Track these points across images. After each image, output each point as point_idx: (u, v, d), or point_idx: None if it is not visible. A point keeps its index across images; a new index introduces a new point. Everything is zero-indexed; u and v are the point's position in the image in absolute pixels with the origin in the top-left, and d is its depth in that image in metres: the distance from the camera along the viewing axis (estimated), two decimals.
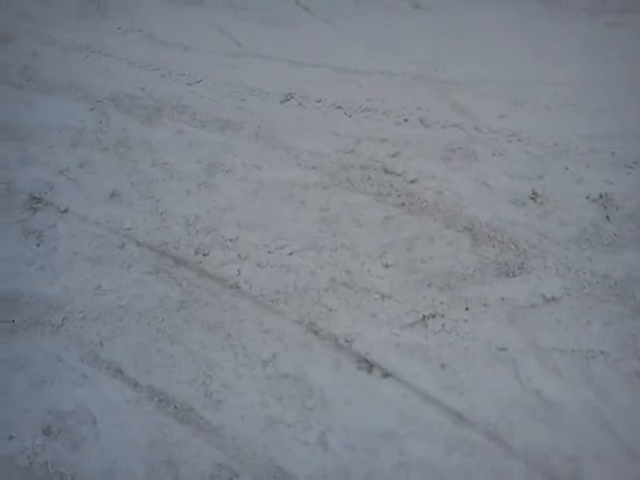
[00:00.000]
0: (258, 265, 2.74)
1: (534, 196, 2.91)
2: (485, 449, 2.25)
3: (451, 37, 3.71)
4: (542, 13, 3.68)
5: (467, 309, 2.53)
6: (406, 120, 3.27)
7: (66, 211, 3.06)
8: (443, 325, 2.50)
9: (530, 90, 3.41)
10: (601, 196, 2.91)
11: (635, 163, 3.05)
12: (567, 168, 3.02)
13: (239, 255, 2.79)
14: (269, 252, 2.77)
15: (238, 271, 2.74)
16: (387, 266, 2.69)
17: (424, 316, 2.52)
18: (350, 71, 3.56)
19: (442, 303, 2.56)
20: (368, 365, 2.46)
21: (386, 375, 2.42)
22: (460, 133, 3.21)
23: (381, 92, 3.44)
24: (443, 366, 2.41)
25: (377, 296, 2.60)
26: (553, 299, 2.54)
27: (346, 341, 2.50)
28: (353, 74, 3.54)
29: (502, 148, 3.13)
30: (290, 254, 2.76)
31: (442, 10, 3.77)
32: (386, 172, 3.03)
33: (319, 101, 3.39)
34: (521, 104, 3.36)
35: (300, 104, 3.39)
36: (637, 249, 2.72)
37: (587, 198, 2.90)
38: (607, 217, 2.83)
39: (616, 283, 2.59)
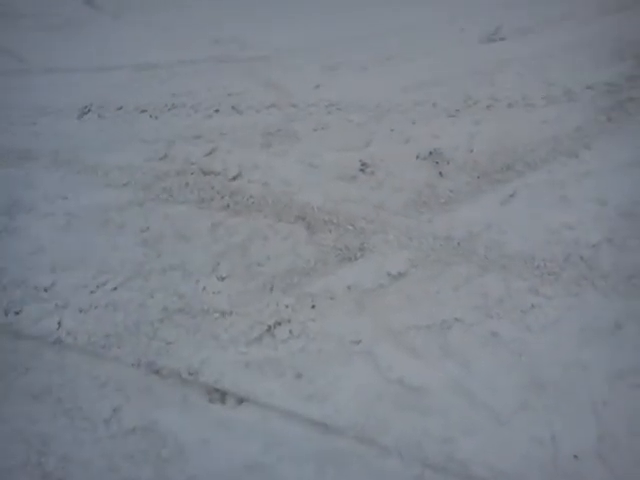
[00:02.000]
0: (80, 311, 2.41)
1: (363, 167, 2.74)
2: (358, 454, 2.08)
3: (251, 10, 3.42)
4: None
5: (313, 307, 2.33)
6: (217, 111, 3.00)
7: None
8: (291, 331, 2.29)
9: (343, 52, 3.22)
10: (431, 153, 2.79)
11: (457, 111, 2.92)
12: (393, 130, 2.87)
13: (57, 304, 2.44)
14: (91, 292, 2.45)
15: (58, 323, 2.40)
16: (223, 278, 2.44)
17: (269, 326, 2.31)
18: (149, 67, 3.23)
19: (287, 306, 2.34)
20: (220, 394, 2.22)
21: (241, 401, 2.19)
22: (277, 114, 2.98)
23: (186, 84, 3.14)
24: (299, 376, 2.21)
25: (217, 315, 2.35)
26: (400, 275, 2.39)
27: (190, 374, 2.24)
28: (153, 70, 3.21)
29: (323, 122, 2.94)
30: (114, 289, 2.45)
31: None
32: (205, 173, 2.76)
33: (120, 108, 3.04)
34: (335, 68, 3.15)
35: (99, 116, 3.04)
36: (474, 201, 2.62)
37: (417, 158, 2.78)
38: (440, 173, 2.71)
39: (459, 243, 2.48)
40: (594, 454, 1.93)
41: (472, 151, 2.81)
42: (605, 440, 1.94)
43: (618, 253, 2.42)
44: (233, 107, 3.02)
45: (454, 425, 2.08)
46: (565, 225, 2.55)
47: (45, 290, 2.49)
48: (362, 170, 2.73)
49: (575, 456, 1.94)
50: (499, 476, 1.92)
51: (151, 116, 3.01)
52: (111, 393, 2.25)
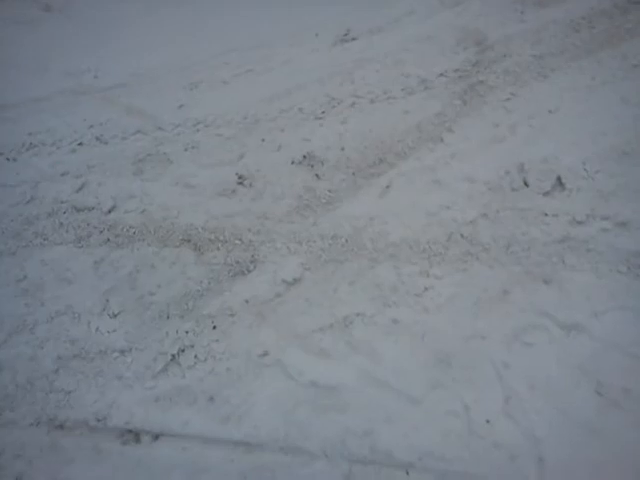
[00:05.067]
0: None
1: (241, 180, 2.72)
2: (285, 465, 2.07)
3: (100, 39, 3.31)
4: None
5: (215, 327, 2.29)
6: (81, 144, 2.88)
7: None
8: (196, 356, 2.24)
9: (202, 70, 3.19)
10: (304, 156, 2.83)
11: (324, 113, 2.98)
12: (264, 139, 2.88)
13: None
14: None
15: None
16: (115, 315, 2.34)
17: (173, 355, 2.24)
18: None
19: (187, 332, 2.28)
20: (133, 435, 2.13)
21: (156, 437, 2.11)
22: (144, 139, 2.90)
23: (43, 121, 2.99)
24: (211, 399, 2.16)
25: (116, 354, 2.25)
26: (295, 280, 2.40)
27: (98, 420, 2.13)
28: (3, 112, 3.00)
29: (192, 140, 2.90)
30: None
31: (75, 13, 3.33)
32: (78, 210, 2.64)
33: None
34: (196, 86, 3.12)
35: None
36: (353, 198, 2.68)
37: (292, 163, 2.79)
38: (317, 175, 2.74)
39: (346, 240, 2.53)
40: (503, 415, 2.03)
41: (343, 149, 2.87)
42: (511, 400, 2.04)
43: (494, 226, 2.56)
44: (97, 138, 2.92)
45: (372, 417, 2.11)
46: (442, 206, 2.66)
47: None
48: (240, 183, 2.72)
49: (487, 420, 2.03)
50: (424, 457, 1.97)
51: (8, 159, 2.85)
52: (9, 462, 2.09)
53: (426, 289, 2.38)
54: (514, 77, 3.22)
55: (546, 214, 2.56)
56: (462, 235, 2.54)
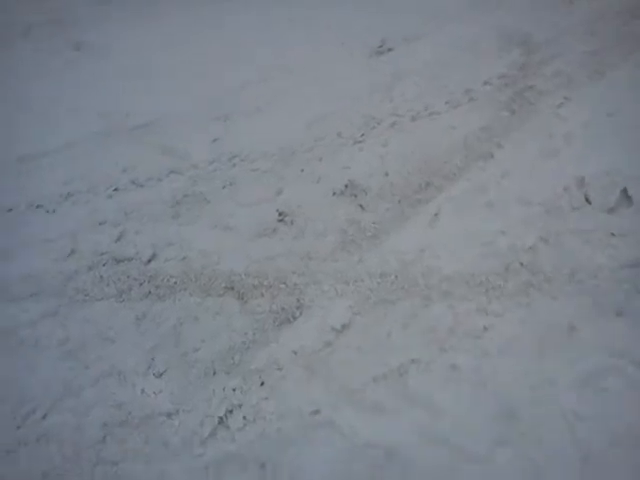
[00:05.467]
0: (8, 452, 2.16)
1: (281, 217, 2.60)
2: None
3: (128, 74, 3.23)
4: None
5: (262, 384, 2.18)
6: (117, 189, 2.79)
7: None
8: (245, 417, 2.13)
9: (233, 100, 3.06)
10: (346, 186, 2.68)
11: (363, 136, 2.82)
12: (302, 170, 2.75)
13: None
14: (17, 428, 2.20)
15: None
16: (160, 375, 2.25)
17: (221, 417, 2.13)
18: (34, 157, 2.97)
19: (235, 390, 2.18)
20: None
21: None
22: (180, 179, 2.80)
23: (78, 167, 2.92)
24: (263, 466, 2.05)
25: (162, 418, 2.17)
26: (344, 327, 2.26)
27: None
28: (39, 160, 2.96)
29: (228, 176, 2.79)
30: (44, 417, 2.22)
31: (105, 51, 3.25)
32: (118, 262, 2.56)
33: (10, 210, 2.79)
34: (229, 118, 3.00)
35: None
36: (400, 229, 2.52)
37: (334, 194, 2.65)
38: (360, 206, 2.60)
39: (396, 277, 2.38)
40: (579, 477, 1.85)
41: (387, 174, 2.71)
42: (589, 461, 1.85)
43: (555, 251, 2.37)
44: (132, 182, 2.84)
45: (435, 478, 1.96)
46: (497, 233, 2.48)
47: None
48: (281, 220, 2.59)
49: None
50: None
51: (47, 211, 2.79)
52: None
53: (485, 329, 2.21)
54: (566, 79, 3.00)
55: (613, 234, 2.35)
56: (521, 264, 2.35)
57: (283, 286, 2.42)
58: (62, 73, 3.34)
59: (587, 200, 2.46)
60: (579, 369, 2.07)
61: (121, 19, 3.71)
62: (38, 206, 2.78)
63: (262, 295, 2.42)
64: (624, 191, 2.47)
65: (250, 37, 3.47)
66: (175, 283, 2.49)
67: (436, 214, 2.55)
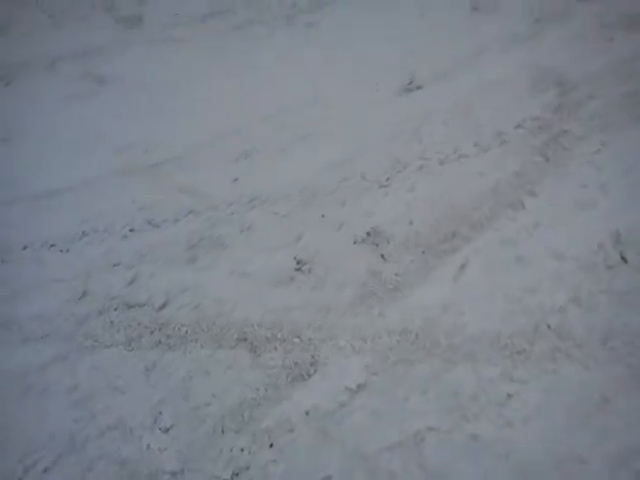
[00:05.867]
0: None
1: (299, 265, 2.49)
2: None
3: (149, 109, 3.17)
4: None
5: (272, 445, 2.07)
6: (132, 230, 2.73)
7: None
8: None
9: (256, 136, 2.99)
10: (368, 234, 2.57)
11: (388, 180, 2.71)
12: (323, 215, 2.64)
13: None
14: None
15: None
16: (167, 430, 2.16)
17: None
18: (50, 194, 2.93)
19: (243, 450, 2.07)
20: None
21: None
22: (197, 220, 2.73)
23: (95, 205, 2.87)
24: None
25: (167, 476, 2.07)
26: (360, 387, 2.14)
27: None
28: (56, 196, 2.91)
29: (247, 220, 2.70)
30: (45, 471, 2.13)
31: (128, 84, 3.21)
32: (129, 307, 2.48)
33: (25, 248, 2.74)
34: (250, 155, 2.91)
35: (3, 260, 2.81)
36: (424, 282, 2.40)
37: (355, 242, 2.54)
38: (382, 256, 2.48)
39: (417, 335, 2.26)
40: None
41: (412, 223, 2.59)
42: None
43: (587, 314, 2.22)
44: (148, 222, 2.77)
45: None
46: (526, 290, 2.35)
47: None
48: (298, 269, 2.49)
49: None
50: None
51: (61, 250, 2.73)
52: None
53: (509, 396, 2.07)
54: (603, 123, 2.85)
55: None
56: (549, 326, 2.21)
57: (298, 340, 2.32)
58: (83, 107, 3.30)
59: (623, 258, 2.31)
60: (612, 447, 1.91)
61: (145, 50, 3.66)
62: (52, 245, 2.73)
63: (275, 349, 2.32)
64: None
65: (276, 72, 3.38)
66: (187, 332, 2.41)
67: (462, 266, 2.43)
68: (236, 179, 2.86)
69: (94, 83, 3.42)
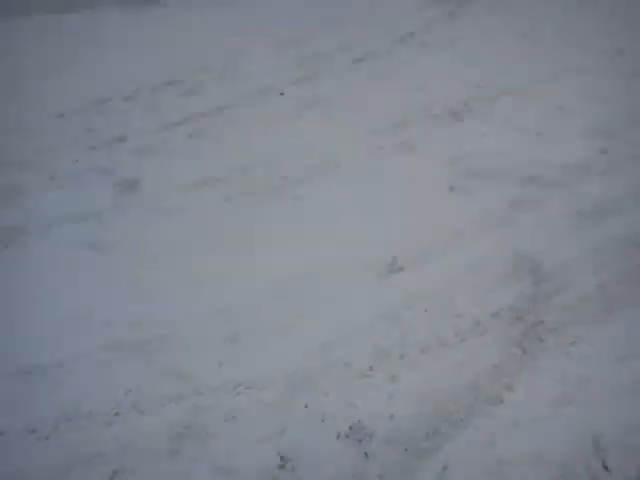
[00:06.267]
0: None
1: (283, 462, 2.50)
2: None
3: (138, 281, 3.26)
4: None
5: None
6: (117, 414, 2.77)
7: None
8: None
9: (245, 317, 3.07)
10: (351, 428, 2.58)
11: (371, 370, 2.77)
12: (307, 406, 2.67)
13: None
14: None
15: None
16: None
17: None
18: (31, 371, 2.94)
19: None
20: None
21: None
22: (183, 404, 2.77)
23: (79, 384, 2.90)
24: None
25: None
26: None
27: None
28: (39, 374, 2.93)
29: (232, 408, 2.73)
30: None
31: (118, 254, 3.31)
32: None
33: (2, 434, 2.71)
34: (238, 338, 2.98)
35: None
36: None
37: (338, 438, 2.56)
38: (365, 454, 2.49)
39: None
40: None
41: (392, 417, 2.63)
42: None
43: None
44: (133, 406, 2.77)
45: None
46: None
47: None
48: (282, 467, 2.51)
49: None
50: None
51: (40, 437, 2.69)
52: None
53: None
54: (575, 315, 2.97)
55: None
56: None
57: None
58: (74, 275, 3.38)
59: (605, 467, 2.35)
60: None
61: (141, 213, 3.80)
62: (32, 430, 2.69)
63: None
64: None
65: (263, 248, 3.52)
66: None
67: (444, 468, 2.44)
68: (222, 363, 2.94)
69: (87, 250, 3.52)
